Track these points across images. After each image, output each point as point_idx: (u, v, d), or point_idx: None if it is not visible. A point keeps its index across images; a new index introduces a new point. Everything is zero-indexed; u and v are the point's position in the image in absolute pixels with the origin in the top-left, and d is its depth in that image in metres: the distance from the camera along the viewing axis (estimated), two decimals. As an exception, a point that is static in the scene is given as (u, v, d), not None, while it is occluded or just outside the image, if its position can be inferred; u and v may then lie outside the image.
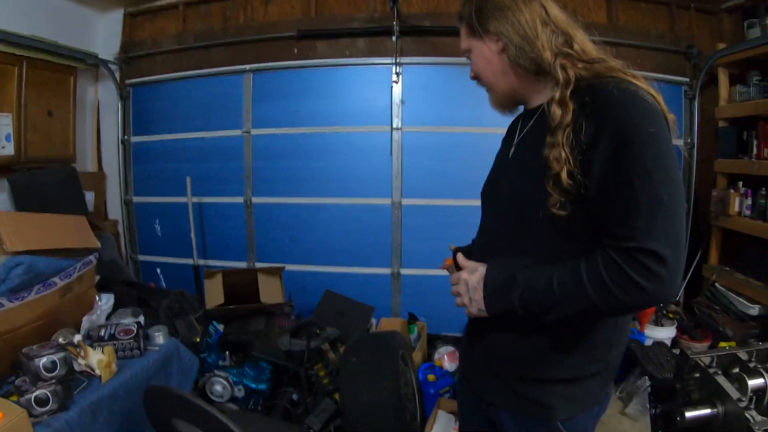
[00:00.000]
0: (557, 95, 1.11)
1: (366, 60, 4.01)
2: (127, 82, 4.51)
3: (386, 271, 4.15)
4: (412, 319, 3.86)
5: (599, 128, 1.02)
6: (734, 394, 1.13)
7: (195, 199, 4.15)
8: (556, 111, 1.10)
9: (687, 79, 4.23)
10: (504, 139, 1.44)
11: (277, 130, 4.13)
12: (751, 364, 1.21)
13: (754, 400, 1.14)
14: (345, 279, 4.12)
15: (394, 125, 3.97)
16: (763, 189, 3.73)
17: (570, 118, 1.07)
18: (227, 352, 3.06)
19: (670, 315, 3.86)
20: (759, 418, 1.07)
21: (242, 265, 4.31)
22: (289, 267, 3.83)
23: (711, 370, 1.20)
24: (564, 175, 1.05)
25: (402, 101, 3.95)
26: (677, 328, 3.79)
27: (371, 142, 4.02)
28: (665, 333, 3.72)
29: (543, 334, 1.20)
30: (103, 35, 4.52)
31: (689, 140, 4.23)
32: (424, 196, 4.04)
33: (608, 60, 1.16)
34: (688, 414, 1.13)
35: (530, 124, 1.26)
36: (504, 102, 1.34)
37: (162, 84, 4.43)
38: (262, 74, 4.15)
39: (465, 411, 1.57)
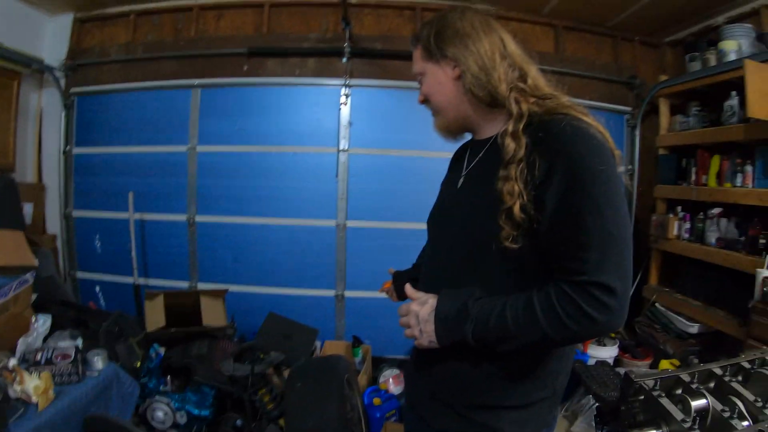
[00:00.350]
0: (510, 128, 1.13)
1: (315, 80, 3.96)
2: (72, 90, 4.29)
3: (330, 293, 4.07)
4: (357, 342, 3.79)
5: (552, 165, 1.04)
6: (678, 415, 1.15)
7: (137, 216, 3.99)
8: (510, 144, 1.11)
9: (629, 109, 4.37)
10: (450, 167, 1.45)
11: (223, 148, 4.01)
12: (693, 386, 1.24)
13: (698, 421, 1.16)
14: (289, 301, 4.01)
15: (341, 147, 3.93)
16: (701, 213, 3.89)
17: (523, 152, 1.09)
18: (169, 377, 2.94)
19: (612, 335, 3.93)
20: None
21: (184, 284, 4.15)
22: (232, 288, 3.72)
23: (655, 393, 1.22)
24: (517, 209, 1.06)
25: (350, 123, 3.92)
26: (619, 347, 3.88)
27: (318, 163, 3.96)
28: (608, 352, 3.79)
29: (492, 362, 1.19)
30: (51, 40, 4.31)
31: (630, 167, 4.37)
32: (370, 218, 4.00)
33: (559, 96, 1.18)
34: None
35: (480, 155, 1.26)
36: (451, 127, 1.33)
37: (108, 95, 4.25)
38: (211, 90, 4.03)
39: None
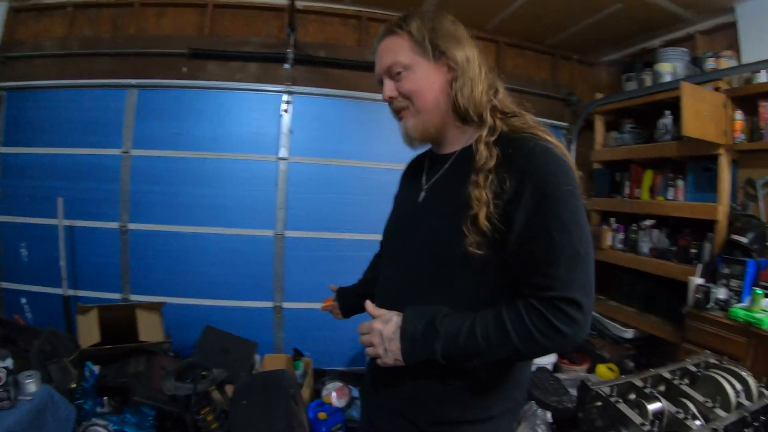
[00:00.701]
0: (485, 136, 1.15)
1: (257, 86, 3.82)
2: (2, 84, 3.97)
3: (268, 304, 3.92)
4: (298, 354, 3.66)
5: (521, 183, 1.06)
6: (637, 419, 1.21)
7: (67, 222, 3.70)
8: (484, 152, 1.12)
9: (566, 124, 4.51)
10: (406, 182, 1.44)
11: (159, 153, 3.80)
12: (647, 390, 1.31)
13: (656, 424, 1.22)
14: (226, 313, 3.83)
15: (281, 155, 3.81)
16: (634, 225, 4.06)
17: (494, 163, 1.10)
18: (106, 398, 2.72)
19: None
20: None
21: (116, 296, 3.88)
22: (167, 300, 3.54)
23: (612, 399, 1.28)
24: (482, 216, 1.07)
25: (290, 131, 3.81)
26: (557, 353, 3.90)
27: (257, 171, 3.81)
28: (546, 359, 3.82)
29: (457, 378, 1.17)
30: (-20, 30, 3.95)
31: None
32: (309, 228, 3.90)
33: (525, 115, 1.21)
34: None
35: (445, 168, 1.25)
36: (427, 132, 1.26)
37: (40, 91, 3.93)
38: (148, 91, 3.82)
39: None
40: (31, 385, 2.26)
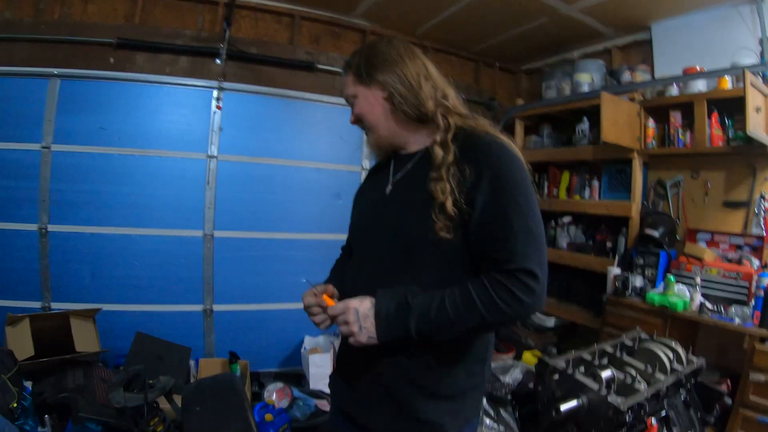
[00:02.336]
0: (439, 138, 1.25)
1: (187, 80, 3.55)
2: None
3: (198, 308, 3.66)
4: (234, 357, 3.41)
5: (480, 173, 1.15)
6: (593, 385, 1.31)
7: (-22, 225, 3.26)
8: (439, 152, 1.22)
9: None
10: (371, 181, 1.50)
11: (83, 148, 3.41)
12: (596, 362, 1.44)
13: (612, 388, 1.31)
14: (156, 318, 3.52)
15: (211, 153, 3.58)
16: (553, 222, 4.22)
17: (452, 158, 1.19)
18: (46, 416, 2.41)
19: None
20: (619, 399, 1.23)
21: (36, 305, 3.44)
22: (93, 307, 3.19)
23: (569, 371, 1.38)
24: (449, 203, 1.15)
25: (220, 128, 3.58)
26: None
27: (185, 169, 3.55)
28: None
29: (428, 353, 1.22)
30: None
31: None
32: (238, 228, 3.70)
33: (478, 117, 1.32)
34: (563, 407, 1.27)
35: (409, 166, 1.33)
36: (382, 143, 1.38)
37: None
38: (72, 81, 3.40)
39: None
40: (-31, 409, 1.93)
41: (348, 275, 1.42)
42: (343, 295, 1.33)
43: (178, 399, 2.52)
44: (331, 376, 1.49)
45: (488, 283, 1.11)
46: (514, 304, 1.09)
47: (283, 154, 3.71)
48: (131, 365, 2.82)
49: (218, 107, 3.54)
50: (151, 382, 2.49)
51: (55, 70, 3.35)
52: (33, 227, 3.38)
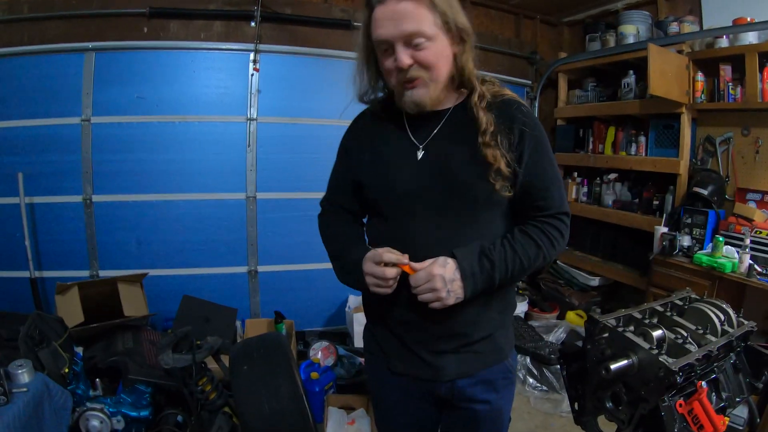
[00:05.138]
0: (482, 104, 1.26)
1: (222, 45, 3.57)
2: None
3: (243, 269, 3.76)
4: (279, 317, 3.51)
5: (522, 134, 1.26)
6: (644, 344, 1.27)
7: (26, 200, 3.38)
8: (484, 117, 1.24)
9: (529, 82, 4.54)
10: (382, 140, 1.38)
11: (121, 119, 3.49)
12: (646, 321, 1.40)
13: (663, 348, 1.29)
14: (201, 281, 3.64)
15: (250, 115, 3.61)
16: (597, 179, 4.17)
17: (494, 123, 1.24)
18: (97, 380, 2.52)
19: (520, 291, 4.17)
20: (671, 359, 1.21)
21: (84, 274, 3.59)
22: (139, 272, 3.32)
23: (619, 329, 1.34)
24: (503, 166, 1.23)
25: (258, 90, 3.60)
26: (528, 302, 4.12)
27: (225, 133, 3.60)
28: (519, 308, 3.97)
29: (491, 300, 1.34)
30: None
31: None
32: (280, 189, 3.75)
33: (494, 81, 1.35)
34: (613, 366, 1.25)
35: (439, 127, 1.30)
36: (436, 100, 1.27)
37: None
38: (106, 54, 3.46)
39: (399, 405, 1.51)
40: (24, 375, 2.01)
41: (402, 236, 1.32)
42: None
43: (225, 359, 2.56)
44: (374, 330, 1.49)
45: (541, 225, 1.30)
46: (562, 241, 1.33)
47: (321, 113, 3.71)
48: (179, 327, 2.88)
49: (256, 69, 3.54)
50: (198, 342, 2.55)
51: (90, 44, 3.41)
52: (78, 199, 3.50)
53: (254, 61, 3.53)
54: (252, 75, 3.56)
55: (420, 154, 1.30)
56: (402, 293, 1.28)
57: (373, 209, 1.41)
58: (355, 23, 3.72)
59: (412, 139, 1.32)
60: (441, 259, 1.22)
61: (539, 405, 3.17)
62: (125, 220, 3.56)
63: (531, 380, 3.34)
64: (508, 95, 1.31)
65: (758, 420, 2.60)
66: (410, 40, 1.16)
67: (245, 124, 3.59)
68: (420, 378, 1.40)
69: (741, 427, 2.56)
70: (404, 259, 1.23)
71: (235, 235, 3.69)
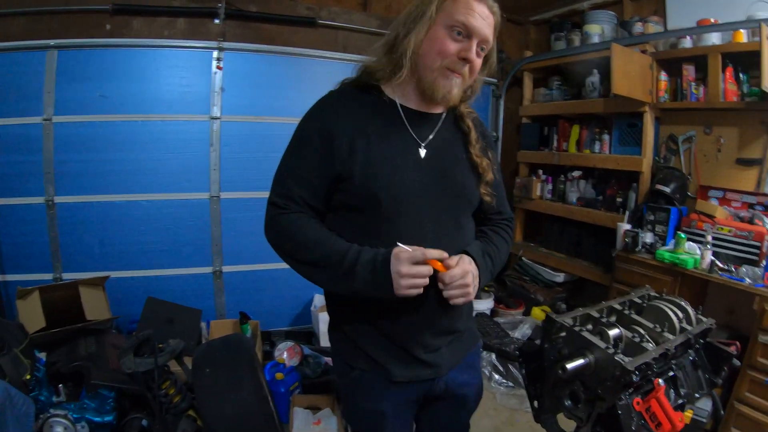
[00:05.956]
0: (473, 115, 1.46)
1: (186, 42, 3.53)
2: None
3: (208, 270, 3.74)
4: (244, 318, 3.50)
5: (490, 146, 1.48)
6: (601, 344, 1.30)
7: (-14, 202, 3.35)
8: (473, 130, 1.42)
9: (495, 80, 4.59)
10: (381, 136, 1.29)
11: (84, 118, 3.43)
12: (603, 320, 1.44)
13: (619, 347, 1.32)
14: (166, 282, 3.61)
15: (214, 114, 3.59)
16: (562, 176, 4.24)
17: (479, 137, 1.44)
18: (60, 385, 2.49)
19: (486, 288, 4.23)
20: (627, 359, 1.24)
21: (47, 277, 3.52)
22: (101, 275, 3.28)
23: (576, 328, 1.37)
24: (490, 176, 1.42)
25: (222, 89, 3.58)
26: (494, 299, 4.19)
27: (188, 132, 3.56)
28: (484, 305, 4.06)
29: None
30: None
31: (495, 134, 4.66)
32: (244, 189, 3.72)
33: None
34: (569, 365, 1.27)
35: (437, 128, 1.36)
36: (458, 97, 1.32)
37: None
38: (69, 52, 3.40)
39: (396, 416, 1.45)
40: (-15, 383, 2.02)
41: (405, 230, 1.28)
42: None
43: (189, 361, 2.56)
44: (360, 344, 1.38)
45: (505, 228, 1.52)
46: (512, 242, 1.56)
47: (286, 111, 3.70)
48: (143, 330, 2.85)
49: (219, 67, 3.53)
50: (161, 345, 2.54)
51: (52, 41, 3.34)
52: (40, 200, 3.44)
53: (218, 59, 3.51)
54: (215, 73, 3.54)
55: (423, 152, 1.31)
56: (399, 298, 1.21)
57: (361, 206, 1.29)
58: (320, 21, 3.77)
59: (414, 136, 1.31)
60: (465, 257, 1.27)
61: (505, 401, 3.21)
62: (88, 221, 3.50)
63: (497, 376, 3.38)
64: (467, 107, 1.46)
65: (722, 412, 2.67)
66: (481, 45, 1.26)
67: (209, 123, 3.57)
68: (420, 380, 1.39)
69: (705, 420, 2.61)
70: (445, 255, 1.21)
71: (199, 236, 3.66)
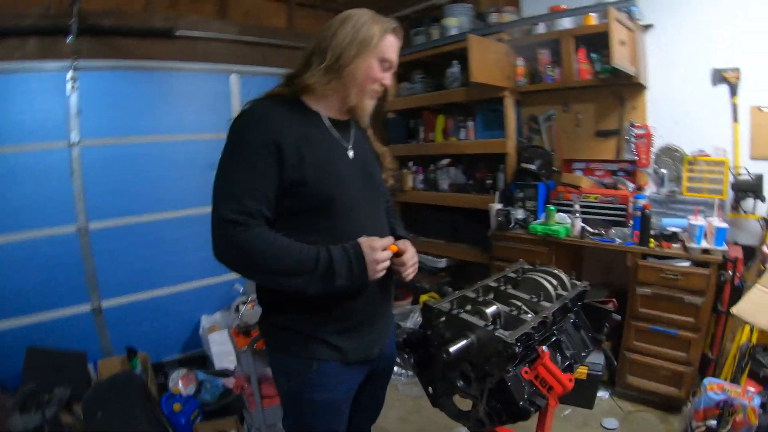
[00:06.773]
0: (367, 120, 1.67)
1: (38, 64, 3.16)
2: None
3: (86, 307, 3.45)
4: (132, 352, 3.31)
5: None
6: (480, 323, 1.38)
7: None
8: (370, 131, 1.71)
9: None
10: (321, 139, 1.44)
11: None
12: (480, 299, 1.52)
13: (499, 323, 1.42)
14: (45, 328, 3.24)
15: (72, 139, 3.30)
16: (432, 165, 4.40)
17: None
18: None
19: None
20: (507, 332, 1.32)
21: None
22: None
23: (454, 312, 1.45)
24: (389, 159, 1.72)
25: (79, 111, 3.30)
26: None
27: (45, 162, 3.23)
28: None
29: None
30: None
31: None
32: (115, 215, 3.51)
33: None
34: (452, 348, 1.34)
35: (352, 132, 1.56)
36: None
37: None
38: None
39: (347, 397, 1.56)
40: None
41: (355, 219, 1.45)
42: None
43: (80, 408, 2.43)
44: (318, 334, 1.44)
45: (395, 212, 1.81)
46: None
47: (151, 129, 3.56)
48: (27, 383, 2.66)
49: (73, 88, 3.24)
50: (48, 397, 2.37)
51: None
52: None
53: (73, 79, 3.22)
54: (70, 95, 3.24)
55: (351, 154, 1.52)
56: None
57: (314, 208, 1.38)
58: (178, 31, 3.61)
59: (341, 140, 1.51)
60: (406, 240, 1.58)
61: (407, 390, 3.35)
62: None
63: (396, 368, 3.48)
64: None
65: (615, 363, 3.00)
66: (391, 67, 1.51)
67: (68, 150, 3.27)
68: (369, 359, 1.56)
69: (600, 373, 2.92)
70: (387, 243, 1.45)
71: (71, 272, 3.35)
